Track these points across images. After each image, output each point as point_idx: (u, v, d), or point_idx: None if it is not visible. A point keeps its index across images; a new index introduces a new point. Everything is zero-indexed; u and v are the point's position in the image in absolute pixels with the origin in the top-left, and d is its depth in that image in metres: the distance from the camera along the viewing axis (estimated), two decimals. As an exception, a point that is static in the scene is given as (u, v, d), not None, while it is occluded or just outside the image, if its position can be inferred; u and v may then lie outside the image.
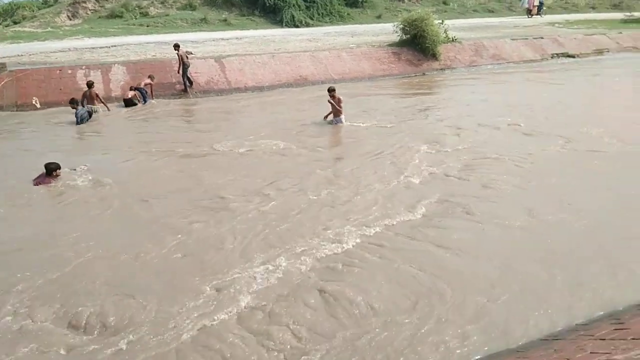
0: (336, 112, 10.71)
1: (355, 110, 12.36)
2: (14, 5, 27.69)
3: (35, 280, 4.97)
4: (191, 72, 15.26)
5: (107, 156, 9.16)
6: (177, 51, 14.62)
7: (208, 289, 4.75)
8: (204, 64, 16.18)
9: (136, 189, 7.48)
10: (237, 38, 20.96)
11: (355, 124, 10.94)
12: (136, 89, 14.05)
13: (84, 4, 25.97)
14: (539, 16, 31.21)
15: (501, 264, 5.09)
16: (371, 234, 5.77)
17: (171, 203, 6.89)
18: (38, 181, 7.71)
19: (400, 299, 4.56)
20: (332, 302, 4.53)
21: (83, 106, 12.78)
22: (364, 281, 4.84)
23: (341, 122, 10.73)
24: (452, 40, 20.34)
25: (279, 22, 26.87)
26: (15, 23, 25.13)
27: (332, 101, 10.63)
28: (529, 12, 31.65)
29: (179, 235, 5.86)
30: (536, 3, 31.91)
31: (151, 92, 14.49)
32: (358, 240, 5.62)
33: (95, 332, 4.24)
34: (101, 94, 13.63)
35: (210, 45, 18.76)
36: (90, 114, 12.15)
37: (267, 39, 20.67)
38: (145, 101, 14.03)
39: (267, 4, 27.30)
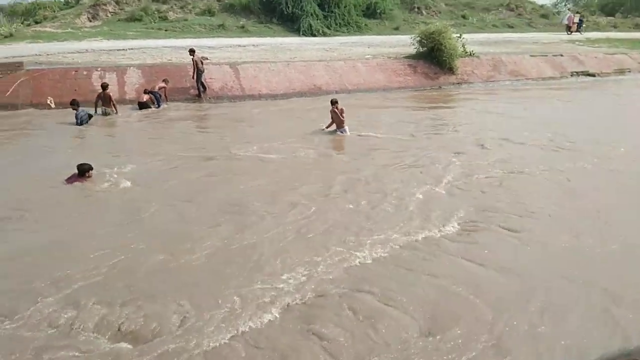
0: (339, 123, 10.88)
1: (371, 121, 12.31)
2: (36, 5, 28.10)
3: (74, 281, 4.88)
4: (206, 77, 15.24)
5: (127, 159, 9.02)
6: (192, 56, 14.60)
7: (235, 298, 4.60)
8: (218, 69, 16.15)
9: (164, 193, 7.39)
10: (253, 45, 20.95)
11: (372, 134, 10.87)
12: (150, 92, 14.05)
13: (104, 7, 26.24)
14: (578, 33, 30.58)
15: (536, 284, 4.89)
16: (403, 246, 5.61)
17: (199, 208, 6.79)
18: (70, 181, 7.65)
19: (431, 316, 4.38)
20: (362, 318, 4.35)
21: (96, 108, 12.90)
22: (393, 296, 4.66)
23: (345, 132, 10.85)
24: (470, 55, 20.12)
25: (296, 31, 26.86)
26: (36, 23, 25.43)
27: (336, 111, 10.77)
28: (568, 29, 30.97)
29: (209, 240, 5.74)
30: (576, 20, 31.35)
31: (165, 96, 14.49)
32: (390, 252, 5.46)
33: (131, 337, 4.13)
34: (115, 96, 13.66)
35: (227, 52, 18.76)
36: (90, 116, 12.17)
37: (283, 47, 20.63)
38: (159, 105, 14.03)
39: (285, 13, 27.33)
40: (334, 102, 10.87)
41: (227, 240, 5.77)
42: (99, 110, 12.96)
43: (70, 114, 12.04)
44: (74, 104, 12.06)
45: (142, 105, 13.71)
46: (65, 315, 4.36)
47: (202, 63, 14.88)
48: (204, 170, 8.48)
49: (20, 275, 5.03)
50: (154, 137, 11.13)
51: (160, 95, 14.24)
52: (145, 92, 14.04)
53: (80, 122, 11.80)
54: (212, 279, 4.97)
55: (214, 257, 5.42)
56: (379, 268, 5.18)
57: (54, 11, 27.23)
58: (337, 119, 10.83)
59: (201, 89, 15.13)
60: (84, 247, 5.60)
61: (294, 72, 17.09)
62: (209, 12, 27.53)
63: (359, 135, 10.81)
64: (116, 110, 13.08)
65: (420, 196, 7.08)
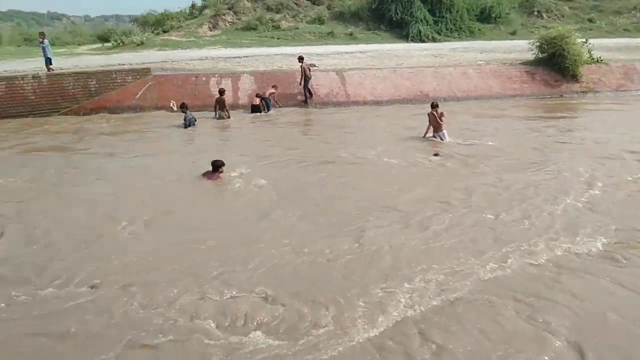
0: (437, 127, 10.60)
1: (485, 129, 11.79)
2: (165, 16, 30.95)
3: (216, 275, 5.06)
4: (312, 84, 15.51)
5: (248, 159, 9.37)
6: (300, 63, 14.96)
7: (361, 303, 4.52)
8: (325, 76, 16.36)
9: (286, 193, 7.52)
10: (360, 52, 20.98)
11: (487, 143, 10.36)
12: (261, 97, 14.65)
13: (223, 17, 28.06)
14: None
15: None
16: (540, 262, 5.19)
17: (324, 209, 6.85)
18: (206, 176, 8.14)
19: (584, 343, 3.91)
20: (495, 337, 4.00)
21: (216, 112, 13.76)
22: (532, 315, 4.27)
23: (444, 137, 10.49)
24: (597, 61, 18.25)
25: (405, 37, 26.49)
26: (164, 32, 27.94)
27: (435, 114, 10.49)
28: None
29: (335, 243, 5.74)
30: None
31: (275, 101, 15.03)
32: (525, 267, 5.08)
33: (276, 331, 4.21)
34: (230, 101, 14.44)
35: (334, 59, 18.97)
36: (195, 119, 12.85)
37: (390, 53, 20.40)
38: (268, 109, 14.56)
39: (394, 19, 27.10)
40: (434, 106, 10.66)
41: (353, 244, 5.71)
42: (217, 114, 13.81)
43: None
44: (183, 107, 12.92)
45: (254, 109, 14.34)
46: (210, 308, 4.48)
47: (309, 70, 15.18)
48: (320, 173, 8.54)
49: (169, 269, 5.20)
50: (267, 140, 11.47)
51: (270, 101, 14.78)
52: (257, 95, 14.68)
53: (188, 124, 12.59)
54: (336, 281, 4.92)
55: (339, 259, 5.37)
56: (513, 283, 4.75)
57: (180, 21, 29.72)
58: (435, 122, 10.57)
59: (308, 95, 15.43)
60: (222, 241, 5.86)
61: (400, 79, 16.77)
62: (319, 20, 28.20)
63: (471, 144, 10.26)
64: (228, 114, 13.81)
65: (558, 208, 6.52)
